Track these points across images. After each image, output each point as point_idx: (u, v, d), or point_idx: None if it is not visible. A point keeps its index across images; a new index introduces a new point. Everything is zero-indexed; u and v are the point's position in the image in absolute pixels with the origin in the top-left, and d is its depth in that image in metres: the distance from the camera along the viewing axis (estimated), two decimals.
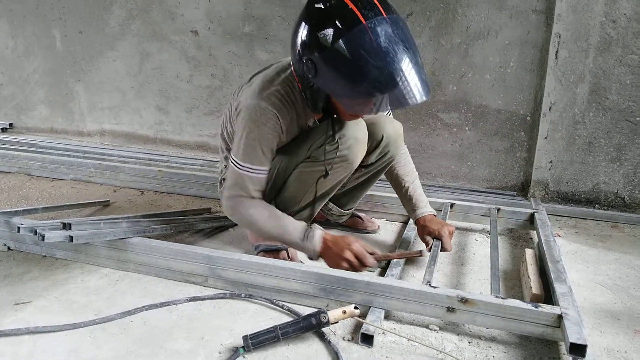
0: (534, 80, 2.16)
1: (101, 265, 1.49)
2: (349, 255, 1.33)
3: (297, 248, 1.39)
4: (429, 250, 1.50)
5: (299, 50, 1.20)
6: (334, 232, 1.79)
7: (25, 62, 3.23)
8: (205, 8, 2.66)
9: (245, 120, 1.34)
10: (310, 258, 1.39)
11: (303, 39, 1.18)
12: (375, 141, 1.55)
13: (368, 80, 1.11)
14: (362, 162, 1.61)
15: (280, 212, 1.42)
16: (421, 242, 1.61)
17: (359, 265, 1.34)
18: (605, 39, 1.96)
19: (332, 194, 1.55)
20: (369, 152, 1.58)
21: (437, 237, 1.54)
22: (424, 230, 1.58)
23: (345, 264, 1.33)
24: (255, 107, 1.32)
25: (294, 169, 1.45)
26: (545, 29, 2.09)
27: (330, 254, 1.36)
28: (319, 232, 1.38)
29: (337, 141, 1.37)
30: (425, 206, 1.64)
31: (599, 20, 1.95)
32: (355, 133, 1.39)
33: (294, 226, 1.38)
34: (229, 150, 1.64)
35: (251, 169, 1.37)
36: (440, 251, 1.51)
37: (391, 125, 1.57)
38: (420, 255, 1.42)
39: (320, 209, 1.77)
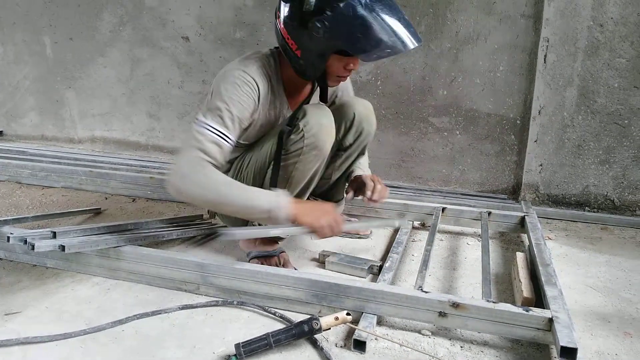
0: (523, 84, 2.18)
1: (92, 274, 1.48)
2: (330, 217, 1.31)
3: (264, 213, 1.25)
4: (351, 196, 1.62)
5: (299, 18, 1.26)
6: None
7: (15, 69, 3.21)
8: (196, 14, 2.66)
9: (220, 82, 1.31)
10: (277, 221, 1.28)
11: (309, 5, 1.23)
12: (348, 120, 1.58)
13: (380, 29, 1.23)
14: (340, 145, 1.62)
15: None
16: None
17: (336, 228, 1.32)
18: (593, 43, 1.99)
19: (313, 187, 1.52)
20: (345, 133, 1.59)
21: (361, 185, 1.58)
22: (354, 182, 1.63)
23: (324, 222, 1.29)
24: (233, 71, 1.33)
25: (269, 166, 1.45)
26: (534, 34, 2.11)
27: (307, 211, 1.30)
28: (285, 195, 1.29)
29: (302, 129, 1.36)
30: (366, 170, 1.72)
31: (586, 24, 1.98)
32: (320, 119, 1.38)
33: (261, 191, 1.29)
34: None
35: (219, 131, 1.26)
36: (369, 199, 1.53)
37: (360, 103, 1.60)
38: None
39: None
